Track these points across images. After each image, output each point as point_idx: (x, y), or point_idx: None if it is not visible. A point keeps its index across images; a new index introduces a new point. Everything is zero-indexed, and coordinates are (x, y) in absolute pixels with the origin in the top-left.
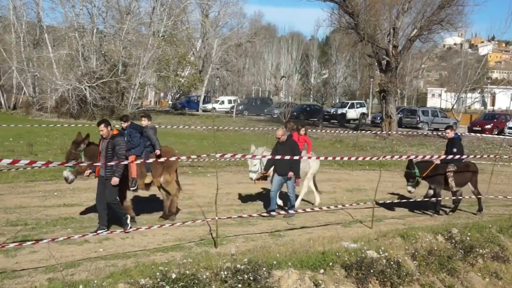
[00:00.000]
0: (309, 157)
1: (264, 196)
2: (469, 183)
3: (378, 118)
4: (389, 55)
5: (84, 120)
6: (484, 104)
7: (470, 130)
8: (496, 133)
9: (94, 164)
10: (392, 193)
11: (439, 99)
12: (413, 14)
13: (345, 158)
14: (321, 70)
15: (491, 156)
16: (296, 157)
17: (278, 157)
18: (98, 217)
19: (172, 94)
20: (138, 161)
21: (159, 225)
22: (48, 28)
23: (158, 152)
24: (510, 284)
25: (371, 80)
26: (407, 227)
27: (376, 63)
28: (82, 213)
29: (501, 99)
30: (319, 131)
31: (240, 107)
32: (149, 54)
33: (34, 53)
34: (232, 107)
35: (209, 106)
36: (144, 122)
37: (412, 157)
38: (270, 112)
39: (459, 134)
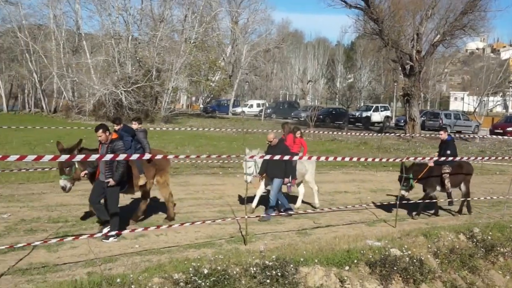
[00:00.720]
0: (300, 157)
1: (290, 198)
2: (462, 183)
3: (402, 121)
4: (412, 60)
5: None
6: (505, 107)
7: (492, 132)
8: None
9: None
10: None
11: (462, 102)
12: (436, 20)
13: (347, 159)
14: (347, 74)
15: None
16: (286, 158)
17: (277, 157)
18: (97, 216)
19: (203, 98)
20: (135, 156)
21: (191, 223)
22: (86, 35)
23: (148, 155)
24: None
25: (395, 84)
26: (430, 227)
27: (400, 68)
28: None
29: None
30: (344, 133)
31: (268, 110)
32: (181, 60)
33: (73, 60)
34: (261, 111)
35: (238, 109)
36: (135, 125)
37: (404, 159)
38: (297, 115)
39: (452, 135)
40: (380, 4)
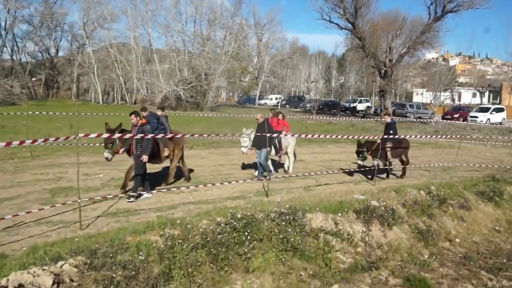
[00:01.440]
0: (285, 135)
1: (299, 164)
2: (402, 155)
3: (379, 109)
4: (386, 66)
5: (179, 111)
6: (453, 99)
7: (443, 118)
8: (461, 120)
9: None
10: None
11: (421, 96)
12: (403, 37)
13: (315, 136)
14: (339, 76)
15: (458, 136)
16: (274, 135)
17: (273, 135)
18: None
19: (237, 93)
20: (160, 136)
21: (229, 182)
22: (155, 50)
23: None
24: (471, 225)
25: (374, 83)
26: (399, 185)
27: (377, 72)
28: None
29: (465, 96)
30: (337, 118)
31: (283, 102)
32: (222, 66)
33: (147, 67)
34: (278, 102)
35: (262, 101)
36: (159, 112)
37: (361, 137)
38: (303, 106)
39: (394, 119)
40: (362, 26)
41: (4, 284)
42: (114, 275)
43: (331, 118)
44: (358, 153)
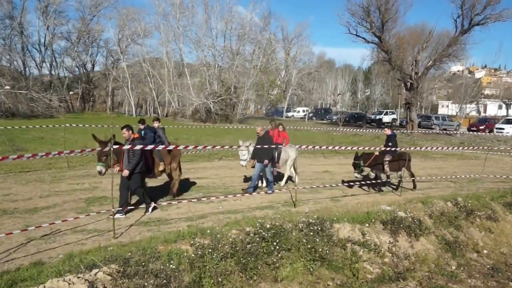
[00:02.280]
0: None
1: (326, 175)
2: (404, 169)
3: (404, 121)
4: (412, 79)
5: (209, 123)
6: (478, 111)
7: (469, 130)
8: (487, 132)
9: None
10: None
11: (447, 108)
12: (429, 50)
13: (330, 147)
14: (365, 89)
15: (485, 147)
16: (267, 147)
17: (272, 147)
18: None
19: (265, 106)
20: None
21: (257, 192)
22: (187, 64)
23: (167, 146)
24: (499, 236)
25: (399, 95)
26: (425, 196)
27: (403, 84)
28: (208, 183)
29: (490, 108)
30: (363, 130)
31: (310, 114)
32: (250, 80)
33: (178, 81)
34: (305, 115)
35: (289, 113)
36: (156, 124)
37: (360, 149)
38: (330, 118)
39: (394, 131)
40: (389, 40)
41: None
42: (146, 284)
43: (357, 130)
44: (354, 165)
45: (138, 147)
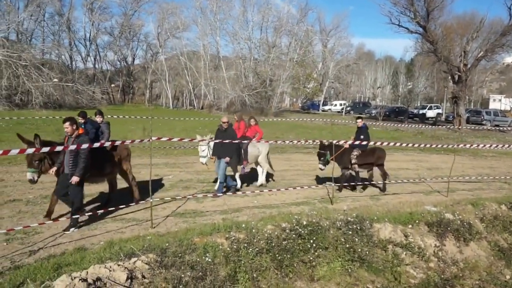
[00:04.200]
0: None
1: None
2: (373, 166)
3: (451, 116)
4: (460, 71)
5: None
6: None
7: None
8: None
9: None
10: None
11: (499, 103)
12: (480, 40)
13: (410, 144)
14: (407, 82)
15: None
16: (234, 142)
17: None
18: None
19: (301, 99)
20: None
21: (293, 187)
22: (223, 57)
23: (104, 142)
24: None
25: (445, 89)
26: (476, 198)
27: (450, 77)
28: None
29: None
30: (405, 125)
31: (348, 108)
32: (286, 73)
33: (214, 74)
34: (342, 108)
35: (326, 107)
36: (99, 118)
37: (325, 140)
38: (369, 112)
39: (366, 124)
40: (434, 29)
41: (84, 277)
42: (182, 275)
43: (398, 125)
44: (319, 155)
45: (84, 146)
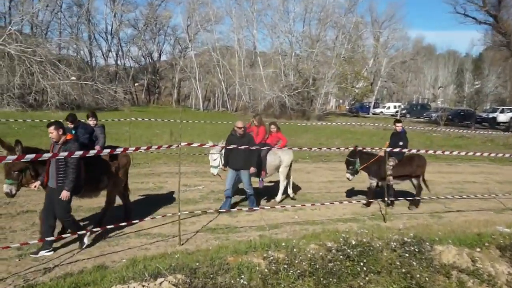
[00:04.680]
0: (281, 145)
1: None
2: (413, 179)
3: None
4: None
5: (283, 120)
6: None
7: None
8: None
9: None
10: None
11: None
12: None
13: (477, 154)
14: (474, 81)
15: None
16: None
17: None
18: (41, 232)
19: (349, 100)
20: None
21: (340, 201)
22: (260, 53)
23: (98, 147)
24: None
25: None
26: None
27: None
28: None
29: None
30: (471, 131)
31: (404, 111)
32: (332, 71)
33: (250, 72)
34: (397, 111)
35: (377, 110)
36: (92, 121)
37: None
38: (428, 116)
39: (404, 128)
40: (507, 19)
41: None
42: None
43: (464, 131)
44: (348, 163)
45: (77, 153)
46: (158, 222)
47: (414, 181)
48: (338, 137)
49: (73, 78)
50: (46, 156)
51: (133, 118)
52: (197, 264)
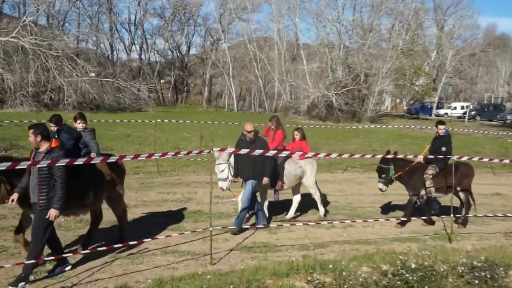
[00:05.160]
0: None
1: (496, 200)
2: (460, 193)
3: None
4: None
5: (330, 123)
6: None
7: None
8: None
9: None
10: None
11: None
12: None
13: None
14: None
15: None
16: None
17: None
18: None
19: (407, 100)
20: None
21: (396, 218)
22: (303, 45)
23: (93, 155)
24: None
25: None
26: None
27: None
28: (330, 202)
29: None
30: None
31: (473, 112)
32: (387, 65)
33: (292, 66)
34: (465, 113)
35: (441, 111)
36: (80, 125)
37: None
38: (503, 118)
39: (448, 131)
40: None
41: None
42: None
43: None
44: (379, 171)
45: (62, 161)
46: (187, 238)
47: (461, 194)
48: (395, 142)
49: (92, 74)
50: (24, 164)
51: (158, 120)
52: (231, 286)
